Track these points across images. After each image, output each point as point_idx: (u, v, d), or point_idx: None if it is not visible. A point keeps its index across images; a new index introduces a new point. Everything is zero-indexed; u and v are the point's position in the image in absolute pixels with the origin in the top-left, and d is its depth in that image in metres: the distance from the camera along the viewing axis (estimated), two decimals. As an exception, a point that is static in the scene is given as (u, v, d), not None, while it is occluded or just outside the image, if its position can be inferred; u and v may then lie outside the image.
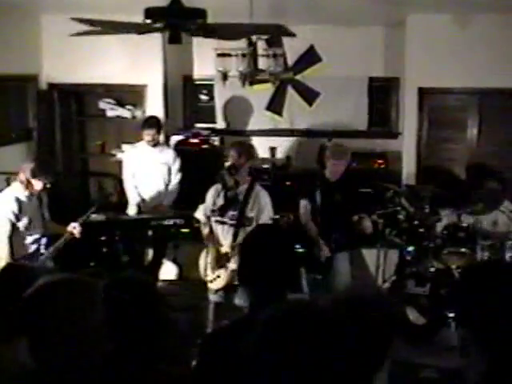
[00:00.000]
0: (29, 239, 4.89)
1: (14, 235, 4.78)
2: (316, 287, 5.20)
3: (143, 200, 6.25)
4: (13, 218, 4.75)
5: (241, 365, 2.15)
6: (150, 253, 6.21)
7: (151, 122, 6.20)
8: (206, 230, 5.05)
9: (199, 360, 2.31)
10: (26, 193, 4.81)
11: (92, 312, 1.70)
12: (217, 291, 4.95)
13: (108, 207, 6.32)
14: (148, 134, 6.10)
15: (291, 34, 4.49)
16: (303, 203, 5.24)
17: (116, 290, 2.26)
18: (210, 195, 5.09)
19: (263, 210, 4.95)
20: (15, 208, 4.75)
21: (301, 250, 4.90)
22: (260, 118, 7.64)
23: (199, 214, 5.15)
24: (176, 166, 6.32)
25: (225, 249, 4.92)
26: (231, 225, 4.88)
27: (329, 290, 5.11)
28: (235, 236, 4.85)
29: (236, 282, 4.82)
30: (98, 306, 1.74)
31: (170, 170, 6.29)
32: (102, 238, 6.18)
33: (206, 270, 4.92)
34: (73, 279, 1.78)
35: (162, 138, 6.59)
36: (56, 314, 1.65)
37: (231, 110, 7.68)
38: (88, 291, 1.75)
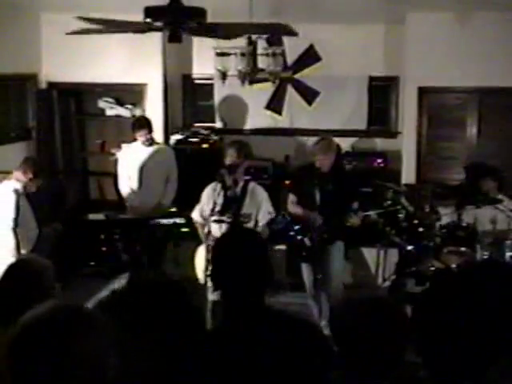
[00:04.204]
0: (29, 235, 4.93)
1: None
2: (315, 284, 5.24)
3: (142, 200, 6.24)
4: (14, 210, 4.80)
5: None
6: (150, 252, 6.20)
7: (141, 123, 6.20)
8: (204, 230, 5.06)
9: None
10: (22, 190, 4.87)
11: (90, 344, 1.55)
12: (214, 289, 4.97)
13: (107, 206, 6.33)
14: (140, 135, 6.11)
15: (292, 33, 4.49)
16: (290, 196, 5.39)
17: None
18: (205, 195, 5.10)
19: (261, 205, 4.97)
20: (16, 200, 4.81)
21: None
22: (259, 117, 7.63)
23: (195, 214, 5.17)
24: (173, 164, 6.32)
25: None
26: (229, 223, 4.90)
27: (324, 281, 5.14)
28: None
29: None
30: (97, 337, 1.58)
31: (167, 168, 6.28)
32: (102, 237, 6.19)
33: (200, 267, 4.94)
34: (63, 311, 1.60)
35: (159, 136, 6.58)
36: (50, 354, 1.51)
37: (231, 109, 7.67)
38: (83, 322, 1.58)
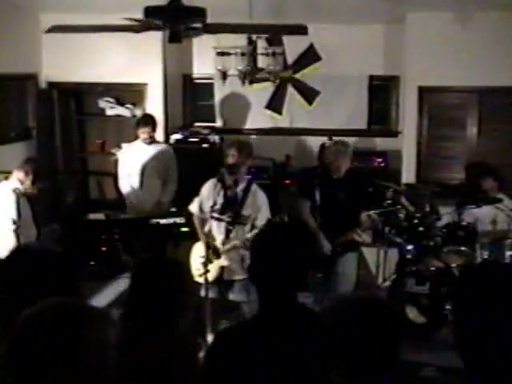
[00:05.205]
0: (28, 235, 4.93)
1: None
2: (320, 286, 5.21)
3: (141, 197, 6.24)
4: (15, 211, 4.80)
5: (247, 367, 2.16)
6: (150, 252, 6.20)
7: (146, 120, 6.25)
8: (204, 229, 5.05)
9: (207, 361, 2.29)
10: (22, 190, 4.87)
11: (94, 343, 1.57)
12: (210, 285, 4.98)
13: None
14: (144, 132, 6.14)
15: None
16: (302, 201, 5.28)
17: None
18: (205, 190, 5.08)
19: (260, 209, 4.95)
20: (16, 201, 4.81)
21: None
22: (260, 117, 7.63)
23: (193, 207, 5.14)
24: (172, 163, 6.33)
25: (217, 244, 4.94)
26: (228, 222, 4.89)
27: (334, 289, 5.09)
28: (227, 233, 4.86)
29: (226, 277, 4.93)
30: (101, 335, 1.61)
31: (167, 167, 6.29)
32: (102, 237, 6.19)
33: (196, 266, 4.93)
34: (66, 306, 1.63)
35: (159, 135, 6.57)
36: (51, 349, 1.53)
37: (231, 109, 7.67)
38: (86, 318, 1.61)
